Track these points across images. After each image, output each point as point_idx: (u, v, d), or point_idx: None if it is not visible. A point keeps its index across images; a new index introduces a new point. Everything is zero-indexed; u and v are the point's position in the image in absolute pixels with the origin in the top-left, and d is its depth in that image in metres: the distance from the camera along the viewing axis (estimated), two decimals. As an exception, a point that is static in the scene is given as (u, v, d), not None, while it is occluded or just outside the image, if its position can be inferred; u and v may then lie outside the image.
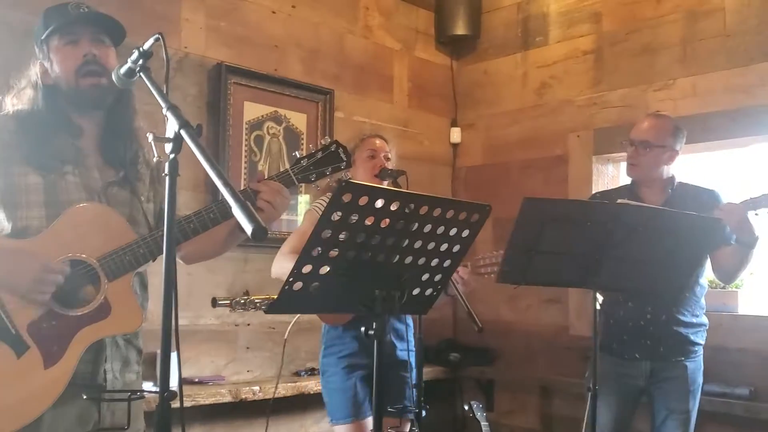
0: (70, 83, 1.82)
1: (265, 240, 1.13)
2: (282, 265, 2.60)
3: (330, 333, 2.81)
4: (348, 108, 4.22)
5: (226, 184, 1.16)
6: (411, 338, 2.89)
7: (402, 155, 4.34)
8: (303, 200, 3.84)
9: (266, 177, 1.87)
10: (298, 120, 3.94)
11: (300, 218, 3.72)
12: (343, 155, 1.94)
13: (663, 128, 2.88)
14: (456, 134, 4.85)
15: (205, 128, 3.57)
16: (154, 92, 1.38)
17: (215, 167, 1.19)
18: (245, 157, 3.72)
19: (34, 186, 1.76)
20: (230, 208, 1.13)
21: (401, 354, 2.80)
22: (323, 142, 1.97)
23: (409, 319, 2.93)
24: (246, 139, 3.72)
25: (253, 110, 3.76)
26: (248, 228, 1.15)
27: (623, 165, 4.22)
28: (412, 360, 2.83)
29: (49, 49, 1.85)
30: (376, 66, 4.45)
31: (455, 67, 4.88)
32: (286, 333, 2.81)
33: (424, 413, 2.59)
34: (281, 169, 1.92)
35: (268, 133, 3.81)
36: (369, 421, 2.69)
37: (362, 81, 4.35)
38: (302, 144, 3.92)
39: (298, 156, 1.94)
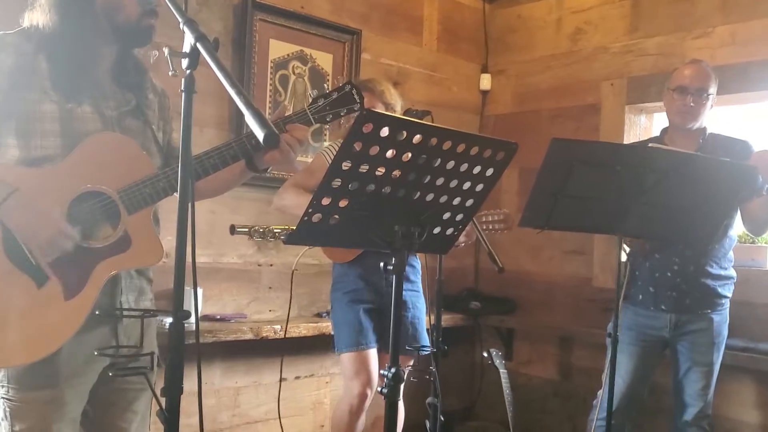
0: (130, 19, 1.76)
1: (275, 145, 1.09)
2: (283, 197, 2.82)
3: (337, 270, 2.97)
4: (375, 49, 4.13)
5: (240, 93, 1.13)
6: (418, 279, 2.98)
7: (428, 101, 4.29)
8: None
9: (285, 116, 1.87)
10: (324, 60, 3.86)
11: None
12: (356, 96, 1.93)
13: (711, 75, 2.83)
14: (486, 81, 4.73)
15: (229, 66, 3.51)
16: (171, 6, 1.34)
17: (229, 77, 1.15)
18: (270, 96, 3.66)
19: (50, 114, 1.69)
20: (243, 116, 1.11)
21: (405, 294, 2.83)
22: (337, 82, 1.95)
23: (417, 262, 2.97)
24: (271, 78, 3.67)
25: (278, 48, 3.69)
26: (260, 134, 1.13)
27: (656, 116, 4.12)
28: (417, 301, 2.95)
29: None
30: (405, 6, 4.33)
31: (487, 11, 4.74)
32: (294, 263, 3.14)
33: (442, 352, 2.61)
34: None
35: (294, 73, 3.75)
36: (372, 351, 2.84)
37: (391, 22, 4.25)
38: (327, 86, 3.86)
39: (314, 96, 1.95)
